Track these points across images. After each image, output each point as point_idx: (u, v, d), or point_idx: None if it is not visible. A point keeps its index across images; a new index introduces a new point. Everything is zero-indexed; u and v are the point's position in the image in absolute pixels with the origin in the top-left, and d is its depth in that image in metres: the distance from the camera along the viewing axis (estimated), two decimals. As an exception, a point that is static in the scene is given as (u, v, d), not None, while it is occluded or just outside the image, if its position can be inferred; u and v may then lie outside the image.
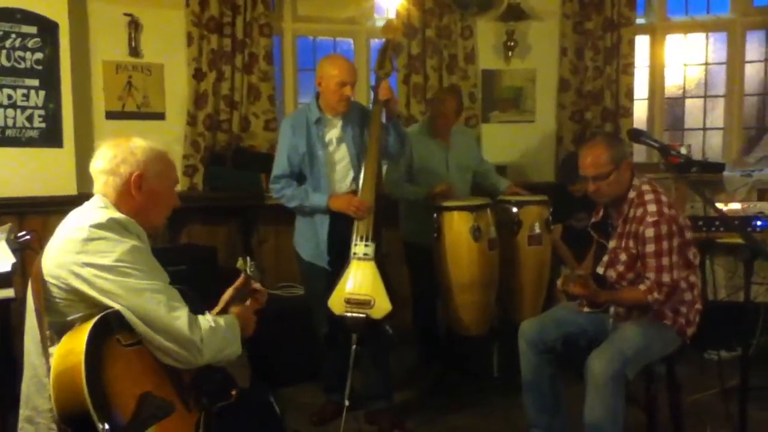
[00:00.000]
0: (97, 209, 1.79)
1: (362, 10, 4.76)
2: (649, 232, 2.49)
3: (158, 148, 1.92)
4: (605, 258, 2.68)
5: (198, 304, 1.95)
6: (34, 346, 1.71)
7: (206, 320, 1.74)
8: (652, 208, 2.51)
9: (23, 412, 1.74)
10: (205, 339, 1.69)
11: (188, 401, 1.78)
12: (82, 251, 1.67)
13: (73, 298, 1.69)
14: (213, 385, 1.89)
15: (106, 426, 1.47)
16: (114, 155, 1.83)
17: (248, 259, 2.12)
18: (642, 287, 2.51)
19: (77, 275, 1.66)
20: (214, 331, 1.73)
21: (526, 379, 2.77)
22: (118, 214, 1.77)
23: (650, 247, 2.49)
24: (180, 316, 1.67)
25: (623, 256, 2.60)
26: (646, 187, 2.58)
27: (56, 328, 1.68)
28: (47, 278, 1.70)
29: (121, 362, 1.61)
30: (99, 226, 1.69)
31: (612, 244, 2.66)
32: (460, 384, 3.73)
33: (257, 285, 2.07)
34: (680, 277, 2.53)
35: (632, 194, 2.59)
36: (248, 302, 2.02)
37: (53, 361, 1.57)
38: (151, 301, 1.66)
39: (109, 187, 1.83)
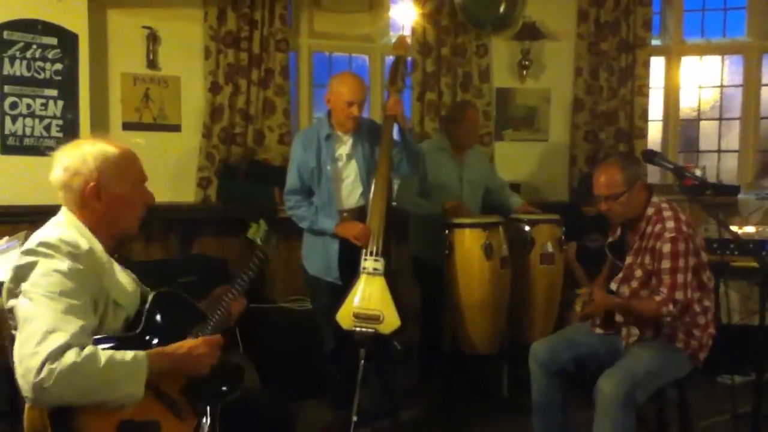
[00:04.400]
0: (48, 227, 1.76)
1: (377, 27, 4.80)
2: (666, 248, 2.47)
3: (113, 148, 1.80)
4: (620, 274, 2.66)
5: (191, 310, 1.93)
6: None
7: (76, 356, 1.52)
8: (670, 224, 2.49)
9: None
10: (57, 377, 1.48)
11: (179, 412, 1.74)
12: (12, 279, 1.66)
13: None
14: (207, 390, 1.83)
15: None
16: (66, 167, 1.75)
17: (263, 223, 2.01)
18: (657, 298, 2.47)
19: (10, 309, 1.66)
20: (76, 369, 1.51)
21: (536, 401, 2.73)
22: (55, 235, 1.69)
23: (666, 263, 2.47)
24: (39, 353, 1.50)
25: (638, 272, 2.57)
26: (664, 205, 2.58)
27: None
28: (7, 312, 1.68)
29: None
30: (29, 252, 1.67)
31: (627, 260, 2.64)
32: (468, 403, 3.69)
33: (239, 300, 2.02)
34: (693, 297, 2.50)
35: (650, 211, 2.58)
36: (212, 335, 1.88)
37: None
38: (27, 330, 1.55)
39: (69, 202, 1.78)
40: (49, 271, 1.62)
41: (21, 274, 1.64)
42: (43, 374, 1.48)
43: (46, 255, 1.65)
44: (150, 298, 1.85)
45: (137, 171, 1.86)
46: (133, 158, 1.85)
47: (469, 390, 3.80)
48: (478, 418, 3.52)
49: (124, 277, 1.85)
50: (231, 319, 2.03)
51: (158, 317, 1.82)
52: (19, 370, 1.52)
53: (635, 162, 2.72)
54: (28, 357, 1.50)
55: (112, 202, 1.77)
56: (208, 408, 1.82)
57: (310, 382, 3.67)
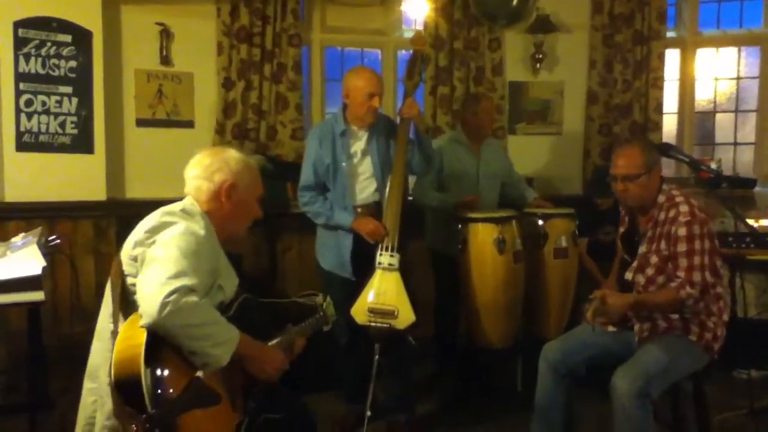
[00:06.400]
0: (180, 203, 1.93)
1: (390, 21, 4.79)
2: (682, 231, 2.46)
3: (251, 161, 2.07)
4: (634, 263, 2.64)
5: (267, 325, 2.07)
6: (107, 322, 1.82)
7: (197, 298, 1.72)
8: (684, 208, 2.49)
9: (87, 384, 1.87)
10: (180, 306, 1.66)
11: (235, 402, 1.84)
12: (149, 230, 1.81)
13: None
14: (262, 392, 1.94)
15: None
16: (210, 163, 1.98)
17: (329, 299, 2.31)
18: (673, 285, 2.46)
19: (134, 257, 1.80)
20: (195, 309, 1.70)
21: (539, 402, 2.71)
22: (195, 208, 1.91)
23: (682, 247, 2.46)
24: (172, 284, 1.67)
25: (654, 259, 2.56)
26: (675, 192, 2.58)
27: (126, 309, 1.80)
28: (124, 260, 1.82)
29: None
30: (170, 213, 1.86)
31: (642, 249, 2.62)
32: (482, 397, 3.69)
33: (299, 342, 2.20)
34: (711, 280, 2.49)
35: (662, 198, 2.58)
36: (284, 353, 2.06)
37: (121, 329, 1.70)
38: (161, 266, 1.71)
39: (202, 192, 1.96)
40: (188, 232, 1.81)
41: (160, 228, 1.81)
42: (171, 299, 1.65)
43: (187, 219, 1.87)
44: (242, 296, 2.04)
45: (260, 187, 2.10)
46: (260, 176, 2.10)
47: (483, 384, 3.79)
48: (493, 412, 3.52)
49: (230, 269, 2.06)
50: (292, 354, 2.18)
51: (244, 315, 1.97)
52: (146, 291, 1.68)
53: (655, 148, 2.71)
54: (161, 284, 1.67)
55: (237, 205, 2.00)
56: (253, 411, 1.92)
57: (323, 376, 3.68)
